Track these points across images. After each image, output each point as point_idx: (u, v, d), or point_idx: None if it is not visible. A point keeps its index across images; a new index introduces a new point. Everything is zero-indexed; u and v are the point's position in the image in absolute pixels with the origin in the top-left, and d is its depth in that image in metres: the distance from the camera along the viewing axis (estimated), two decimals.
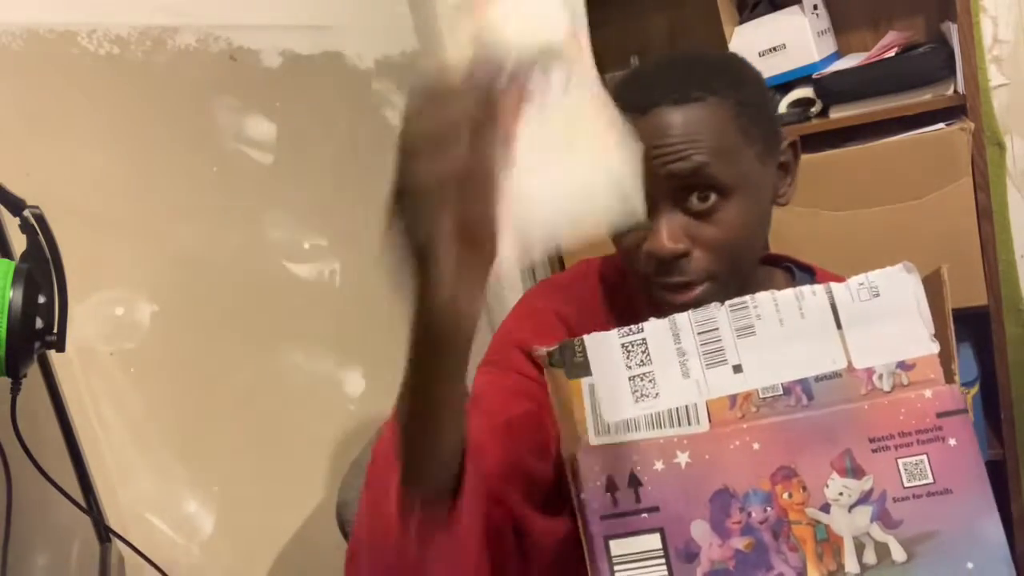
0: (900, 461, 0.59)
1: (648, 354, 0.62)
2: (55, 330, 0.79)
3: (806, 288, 0.62)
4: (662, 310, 0.76)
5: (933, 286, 0.62)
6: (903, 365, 0.61)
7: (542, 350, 0.63)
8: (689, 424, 0.61)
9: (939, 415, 0.60)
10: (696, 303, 0.73)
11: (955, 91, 1.50)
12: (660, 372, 0.62)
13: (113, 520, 1.09)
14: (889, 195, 1.52)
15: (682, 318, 0.63)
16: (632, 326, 0.63)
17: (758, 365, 0.61)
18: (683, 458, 0.60)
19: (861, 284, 0.62)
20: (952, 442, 0.59)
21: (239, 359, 1.29)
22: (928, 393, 0.60)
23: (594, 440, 0.61)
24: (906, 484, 0.59)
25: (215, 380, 1.25)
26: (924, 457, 0.59)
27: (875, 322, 0.61)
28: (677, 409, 0.61)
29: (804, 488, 0.59)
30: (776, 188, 0.81)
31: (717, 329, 0.62)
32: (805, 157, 1.54)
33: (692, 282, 0.75)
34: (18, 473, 0.85)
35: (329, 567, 1.33)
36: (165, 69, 1.27)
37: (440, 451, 0.61)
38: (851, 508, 0.59)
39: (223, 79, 1.37)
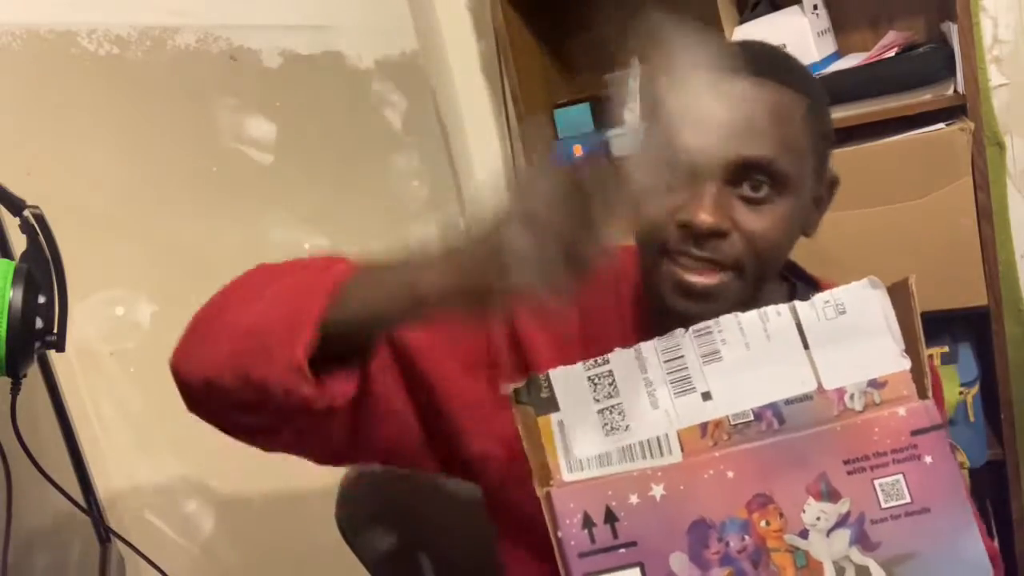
0: (876, 482, 0.58)
1: (615, 386, 0.61)
2: (55, 330, 0.79)
3: (770, 308, 0.61)
4: (667, 297, 0.72)
5: (901, 298, 0.60)
6: (874, 383, 0.59)
7: (508, 387, 0.62)
8: (662, 455, 0.60)
9: (913, 433, 0.58)
10: (713, 291, 0.69)
11: (955, 91, 1.50)
12: (629, 403, 0.61)
13: (113, 520, 1.10)
14: (889, 195, 1.51)
15: (647, 347, 0.62)
16: (597, 358, 0.62)
17: (727, 391, 0.60)
18: (658, 490, 0.59)
19: (827, 302, 0.60)
20: (928, 460, 0.58)
21: None
22: (902, 411, 0.59)
23: (567, 477, 0.60)
24: (883, 505, 0.58)
25: None
26: (900, 477, 0.58)
27: (843, 340, 0.60)
28: (648, 441, 0.60)
29: (781, 515, 0.59)
30: (808, 215, 0.78)
31: (683, 356, 0.61)
32: None
33: (719, 265, 0.70)
34: (18, 473, 0.85)
35: (329, 567, 1.33)
36: (165, 69, 1.27)
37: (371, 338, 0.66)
38: (829, 532, 0.58)
39: (223, 79, 1.37)
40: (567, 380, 0.62)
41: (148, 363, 1.17)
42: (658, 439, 0.60)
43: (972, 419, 1.59)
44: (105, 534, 1.06)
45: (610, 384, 0.61)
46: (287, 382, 0.61)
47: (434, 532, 1.10)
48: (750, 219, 0.70)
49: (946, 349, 1.61)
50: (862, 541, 0.58)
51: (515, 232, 0.53)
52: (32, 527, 0.94)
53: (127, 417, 1.14)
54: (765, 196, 0.70)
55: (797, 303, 0.61)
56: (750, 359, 0.60)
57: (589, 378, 0.62)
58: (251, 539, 1.29)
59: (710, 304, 0.69)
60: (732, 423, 0.60)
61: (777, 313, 0.61)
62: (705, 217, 0.68)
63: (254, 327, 0.65)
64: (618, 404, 0.61)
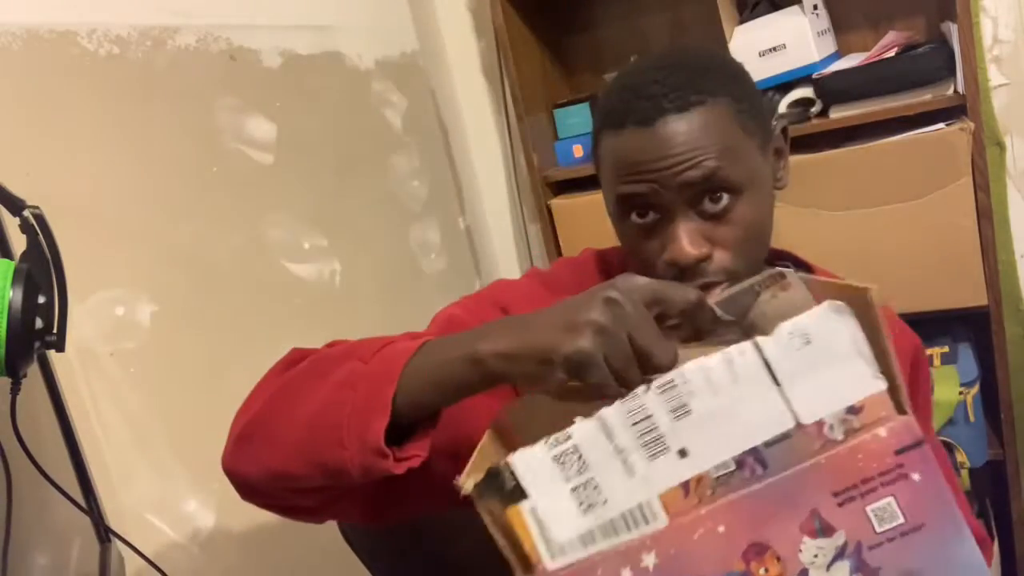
0: (868, 508, 0.57)
1: (584, 461, 0.58)
2: (55, 330, 0.79)
3: (733, 349, 0.58)
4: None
5: (862, 311, 0.58)
6: (852, 409, 0.57)
7: (468, 483, 0.58)
8: (647, 523, 0.57)
9: (897, 452, 0.57)
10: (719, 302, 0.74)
11: (955, 91, 1.50)
12: (602, 476, 0.57)
13: (113, 520, 1.10)
14: (889, 195, 1.52)
15: (609, 413, 0.58)
16: (558, 435, 0.58)
17: (704, 444, 0.57)
18: (649, 560, 0.57)
19: (791, 333, 0.57)
20: (915, 477, 0.57)
21: (239, 359, 1.29)
22: (883, 432, 0.57)
23: (551, 565, 0.57)
24: (878, 530, 0.57)
25: (215, 380, 1.25)
26: (891, 499, 0.57)
27: (813, 370, 0.57)
28: (630, 511, 0.57)
29: (778, 559, 0.57)
30: (775, 173, 0.83)
31: (651, 416, 0.58)
32: (805, 157, 1.56)
33: (715, 283, 0.76)
34: (18, 473, 0.85)
35: (329, 567, 1.33)
36: (165, 69, 1.28)
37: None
38: (829, 567, 0.57)
39: (223, 79, 1.37)
40: (531, 465, 0.57)
41: (148, 363, 1.17)
42: (640, 507, 0.57)
43: (972, 419, 1.59)
44: (105, 534, 1.06)
45: (578, 460, 0.57)
46: (366, 462, 0.64)
47: (435, 532, 1.10)
48: (723, 232, 0.76)
49: (946, 349, 1.61)
50: (862, 569, 0.57)
51: (597, 313, 0.58)
52: (32, 527, 0.94)
53: (127, 417, 1.14)
54: (727, 204, 0.75)
55: (760, 339, 0.58)
56: (721, 407, 0.57)
57: (554, 457, 0.58)
58: (251, 539, 1.29)
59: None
60: (714, 476, 0.57)
61: (741, 353, 0.57)
62: (688, 251, 0.75)
63: (320, 418, 0.67)
64: (591, 479, 0.57)
